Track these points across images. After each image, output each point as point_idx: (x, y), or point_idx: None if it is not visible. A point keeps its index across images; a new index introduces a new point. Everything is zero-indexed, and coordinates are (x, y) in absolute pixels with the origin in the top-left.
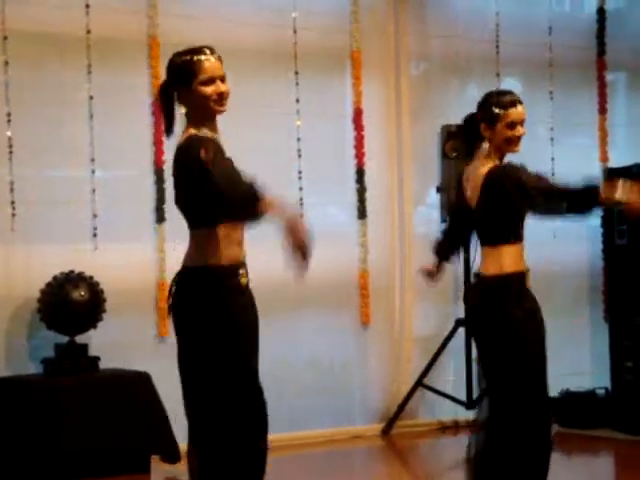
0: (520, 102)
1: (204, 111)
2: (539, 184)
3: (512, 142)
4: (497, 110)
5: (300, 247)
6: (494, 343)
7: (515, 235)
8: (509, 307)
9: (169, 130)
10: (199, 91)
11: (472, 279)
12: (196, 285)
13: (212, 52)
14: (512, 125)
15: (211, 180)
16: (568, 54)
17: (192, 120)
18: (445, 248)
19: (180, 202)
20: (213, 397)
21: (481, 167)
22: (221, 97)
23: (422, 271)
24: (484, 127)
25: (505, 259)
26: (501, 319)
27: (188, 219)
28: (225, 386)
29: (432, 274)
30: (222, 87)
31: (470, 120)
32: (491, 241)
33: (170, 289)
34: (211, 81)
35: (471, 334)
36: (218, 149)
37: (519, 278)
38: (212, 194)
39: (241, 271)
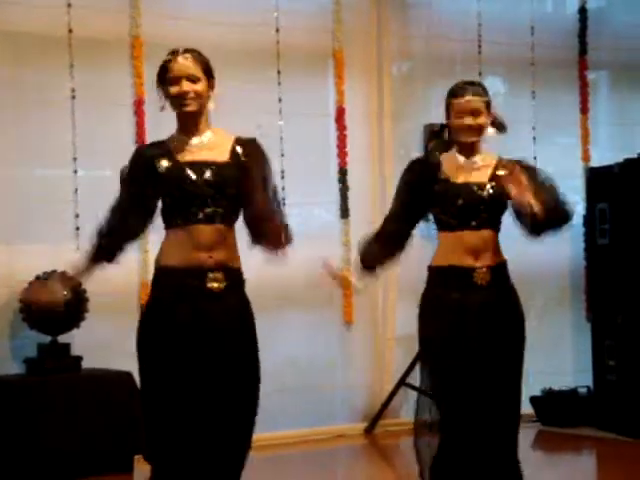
0: (472, 92)
1: (175, 110)
2: None
3: (461, 131)
4: (448, 99)
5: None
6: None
7: (447, 222)
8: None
9: None
10: (167, 91)
11: None
12: (153, 281)
13: (185, 52)
14: (459, 114)
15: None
16: (550, 53)
17: (177, 120)
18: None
19: None
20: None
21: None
22: (181, 96)
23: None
24: (445, 116)
25: (437, 250)
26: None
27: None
28: (156, 394)
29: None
30: (184, 86)
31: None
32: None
33: None
34: (176, 81)
35: None
36: (134, 170)
37: (439, 271)
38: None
39: (211, 275)
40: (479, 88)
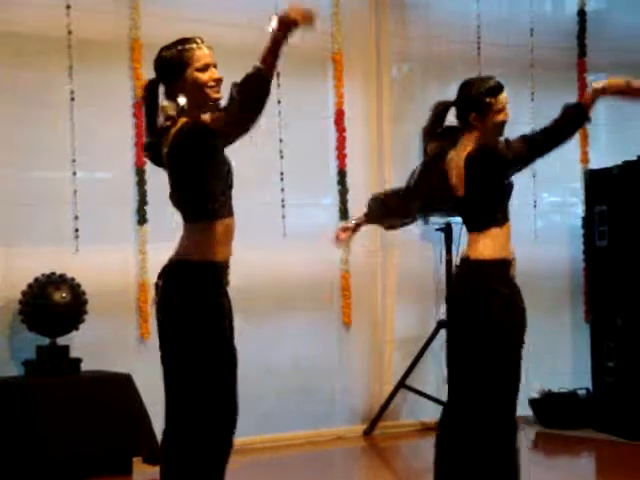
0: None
1: (200, 99)
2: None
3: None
4: (489, 99)
5: (302, 16)
6: (468, 333)
7: (503, 215)
8: (486, 293)
9: (152, 130)
10: (195, 78)
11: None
12: (190, 278)
13: (202, 41)
14: (503, 108)
15: (221, 121)
16: (549, 55)
17: (186, 112)
18: (387, 209)
19: (180, 193)
20: (195, 390)
21: (463, 152)
22: (218, 83)
23: (342, 229)
24: (474, 116)
25: (488, 244)
26: (477, 306)
27: (186, 212)
28: (209, 381)
29: (349, 231)
30: (217, 73)
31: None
32: (479, 226)
33: (159, 278)
34: (206, 68)
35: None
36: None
37: (499, 264)
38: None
39: (229, 270)
40: None
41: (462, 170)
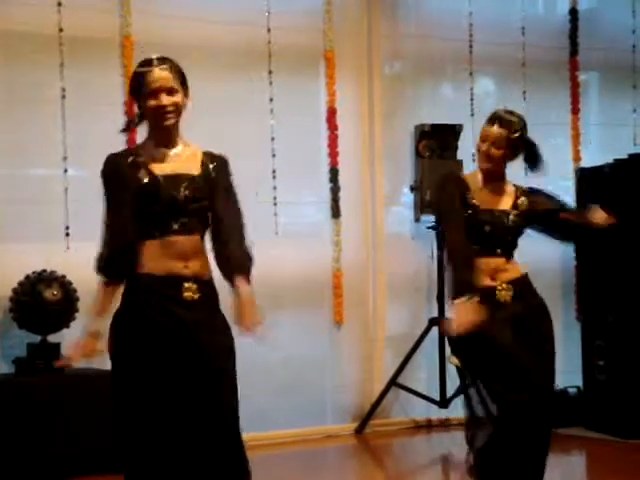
0: (497, 121)
1: (152, 123)
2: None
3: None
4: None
5: (249, 328)
6: None
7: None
8: None
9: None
10: (145, 104)
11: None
12: (126, 291)
13: (162, 62)
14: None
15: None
16: (541, 54)
17: (149, 130)
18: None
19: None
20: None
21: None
22: (162, 110)
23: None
24: None
25: None
26: None
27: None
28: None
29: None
30: (164, 100)
31: None
32: None
33: None
34: (154, 94)
35: None
36: (117, 180)
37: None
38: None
39: (186, 285)
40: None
41: None
